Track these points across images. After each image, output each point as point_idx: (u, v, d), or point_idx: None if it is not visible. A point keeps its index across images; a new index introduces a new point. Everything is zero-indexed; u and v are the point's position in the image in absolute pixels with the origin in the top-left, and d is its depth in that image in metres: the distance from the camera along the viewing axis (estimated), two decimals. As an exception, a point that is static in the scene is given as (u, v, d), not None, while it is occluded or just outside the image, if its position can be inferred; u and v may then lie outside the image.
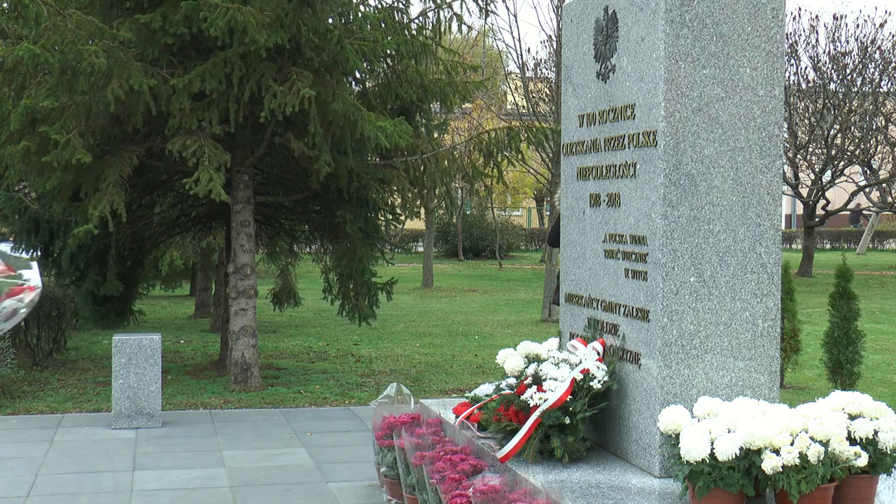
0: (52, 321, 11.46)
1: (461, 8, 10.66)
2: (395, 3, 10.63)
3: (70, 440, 7.94)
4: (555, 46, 20.08)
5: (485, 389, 5.69)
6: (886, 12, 29.65)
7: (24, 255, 13.32)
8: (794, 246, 41.45)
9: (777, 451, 3.93)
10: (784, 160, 18.09)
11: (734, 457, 3.95)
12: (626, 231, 4.96)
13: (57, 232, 11.15)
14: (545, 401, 4.77)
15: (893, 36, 26.90)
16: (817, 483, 3.90)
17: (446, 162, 10.74)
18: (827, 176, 27.91)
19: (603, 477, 4.63)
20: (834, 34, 26.58)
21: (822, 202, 28.30)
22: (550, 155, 18.47)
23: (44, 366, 11.09)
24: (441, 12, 10.56)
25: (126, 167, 9.27)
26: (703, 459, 3.97)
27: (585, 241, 5.44)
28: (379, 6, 10.54)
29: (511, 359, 5.27)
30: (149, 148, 9.86)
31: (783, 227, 8.67)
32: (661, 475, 4.60)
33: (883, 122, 27.38)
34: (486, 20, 22.88)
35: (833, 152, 26.98)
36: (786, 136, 25.76)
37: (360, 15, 9.91)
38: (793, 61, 26.50)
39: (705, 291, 4.68)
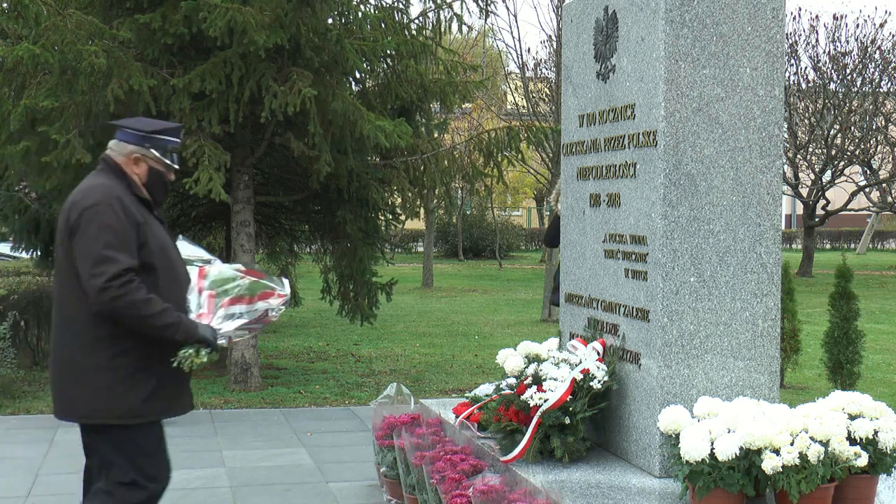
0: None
1: (461, 8, 10.66)
2: (395, 3, 10.63)
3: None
4: (555, 46, 20.08)
5: (485, 389, 5.69)
6: (886, 12, 29.70)
7: (23, 254, 13.32)
8: (794, 246, 41.47)
9: (777, 451, 3.93)
10: (784, 160, 18.09)
11: (734, 457, 3.95)
12: (626, 231, 4.96)
13: (57, 232, 11.14)
14: (545, 401, 4.77)
15: (893, 36, 26.91)
16: (817, 483, 3.90)
17: (446, 162, 10.74)
18: (827, 176, 27.91)
19: (603, 477, 4.63)
20: (834, 34, 26.59)
21: (822, 202, 28.30)
22: (550, 155, 18.47)
23: (44, 366, 11.08)
24: (441, 12, 10.55)
25: (126, 167, 9.27)
26: (703, 459, 3.97)
27: (585, 241, 5.44)
28: (379, 6, 10.54)
29: (511, 359, 5.27)
30: (149, 148, 9.86)
31: (783, 227, 8.67)
32: (661, 475, 4.60)
33: (883, 122, 27.38)
34: (486, 20, 22.87)
35: (833, 152, 26.98)
36: (786, 136, 25.76)
37: (359, 15, 9.90)
38: (793, 61, 26.50)
39: (705, 291, 4.68)
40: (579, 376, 4.87)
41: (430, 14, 10.63)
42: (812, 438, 3.98)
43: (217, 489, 6.60)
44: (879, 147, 28.64)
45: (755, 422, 4.03)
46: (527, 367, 5.14)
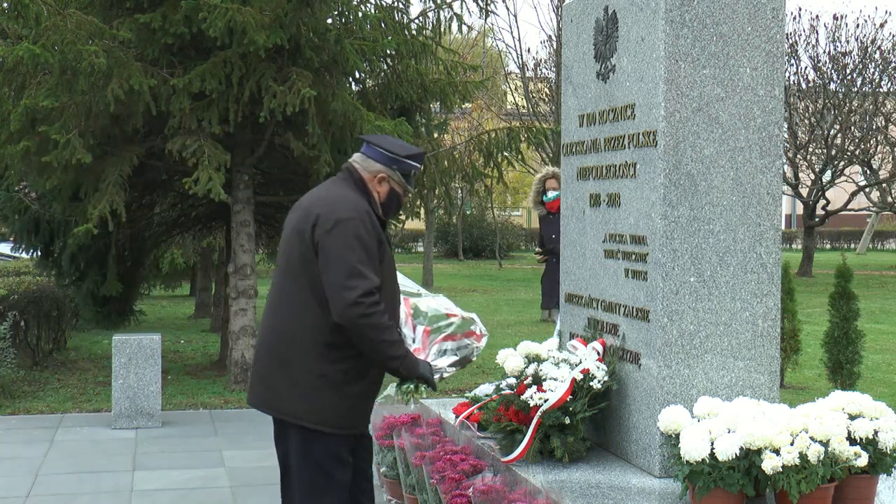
0: (52, 321, 11.46)
1: (461, 8, 10.68)
2: (395, 3, 10.63)
3: (70, 440, 7.94)
4: (555, 46, 20.09)
5: (485, 389, 5.69)
6: (886, 12, 29.72)
7: (23, 254, 13.32)
8: (794, 246, 41.47)
9: (777, 451, 3.93)
10: (784, 160, 18.09)
11: (734, 457, 3.95)
12: (626, 231, 4.96)
13: (57, 232, 11.15)
14: (545, 401, 4.77)
15: (893, 36, 26.92)
16: (817, 483, 3.90)
17: (446, 162, 10.74)
18: (827, 176, 27.91)
19: (603, 477, 4.63)
20: (834, 34, 26.59)
21: (822, 202, 28.30)
22: (550, 155, 18.48)
23: (44, 366, 11.09)
24: (441, 12, 10.56)
25: (126, 167, 9.27)
26: (703, 459, 3.97)
27: (585, 241, 5.44)
28: (379, 6, 10.54)
29: (511, 359, 5.27)
30: (149, 148, 9.86)
31: (783, 227, 8.67)
32: (661, 475, 4.60)
33: (883, 122, 27.38)
34: (486, 20, 22.90)
35: (833, 152, 26.98)
36: (786, 136, 25.76)
37: (359, 15, 9.90)
38: (793, 61, 26.50)
39: (705, 291, 4.68)
40: (579, 376, 4.87)
41: (430, 14, 10.64)
42: (812, 438, 3.98)
43: (217, 489, 6.60)
44: (879, 147, 28.64)
45: (755, 422, 4.03)
46: (527, 367, 5.14)
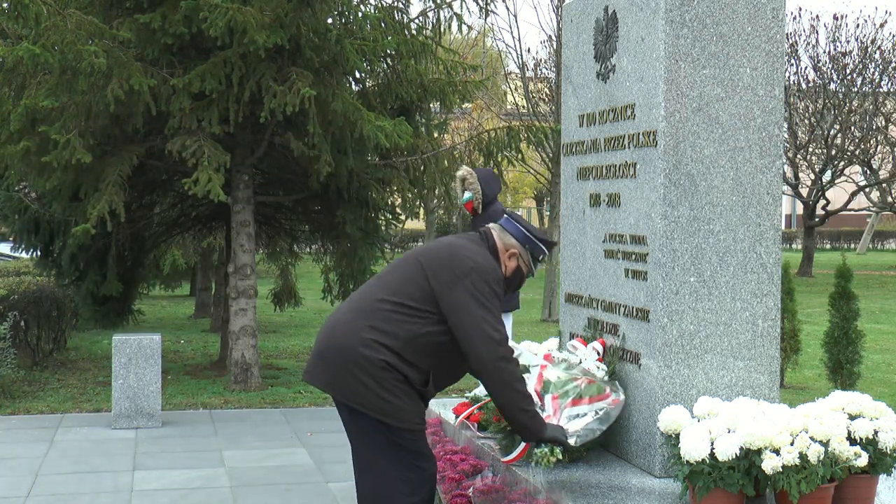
0: (52, 321, 11.46)
1: (461, 8, 10.68)
2: (395, 3, 10.63)
3: (70, 440, 7.94)
4: (555, 46, 20.08)
5: (485, 389, 5.69)
6: (886, 12, 29.72)
7: (23, 254, 13.32)
8: (794, 246, 41.49)
9: (777, 451, 3.93)
10: (784, 160, 18.09)
11: (734, 457, 3.95)
12: (626, 231, 4.96)
13: (57, 232, 11.16)
14: (545, 401, 4.77)
15: (893, 36, 26.93)
16: (817, 483, 3.90)
17: (446, 162, 10.74)
18: (827, 176, 27.92)
19: (603, 477, 4.63)
20: (834, 34, 26.60)
21: (822, 202, 28.31)
22: (550, 155, 18.47)
23: (44, 366, 11.09)
24: (441, 12, 10.56)
25: (126, 167, 9.28)
26: (703, 459, 3.97)
27: (585, 241, 5.44)
28: (379, 6, 10.54)
29: (511, 359, 5.26)
30: (149, 148, 9.87)
31: (783, 227, 8.67)
32: (661, 475, 4.59)
33: (883, 122, 27.39)
34: (486, 20, 22.89)
35: (833, 152, 26.99)
36: (786, 136, 25.77)
37: (359, 15, 9.91)
38: (793, 61, 26.51)
39: (705, 291, 4.68)
40: (579, 376, 4.87)
41: (430, 14, 10.64)
42: (812, 438, 3.97)
43: (217, 489, 6.60)
44: (879, 147, 28.65)
45: (755, 422, 4.03)
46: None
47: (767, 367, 4.76)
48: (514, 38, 45.79)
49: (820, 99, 26.55)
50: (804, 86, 26.81)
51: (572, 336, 5.45)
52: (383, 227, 11.60)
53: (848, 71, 26.39)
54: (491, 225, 4.41)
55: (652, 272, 4.70)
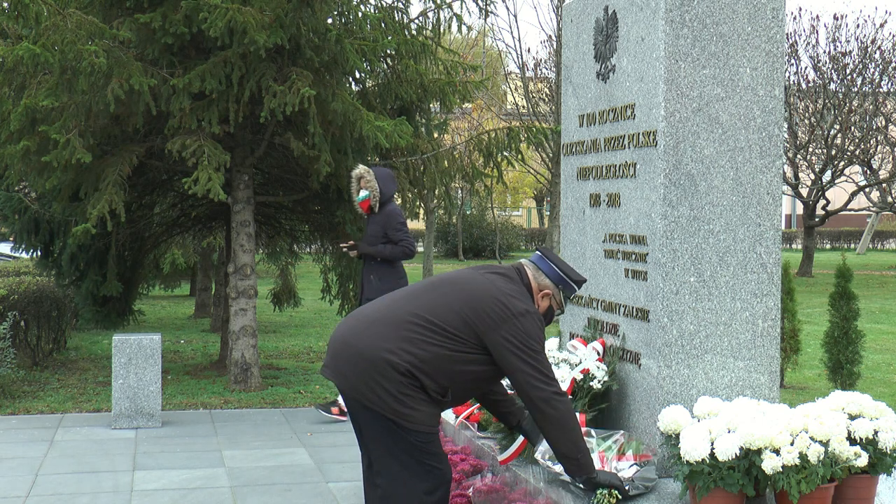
0: (52, 321, 11.46)
1: (461, 8, 10.68)
2: (395, 3, 10.63)
3: (70, 440, 7.94)
4: (555, 46, 20.08)
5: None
6: (886, 12, 29.70)
7: (23, 254, 13.32)
8: (794, 246, 41.49)
9: (777, 451, 3.93)
10: (784, 160, 18.09)
11: (734, 457, 3.95)
12: (626, 231, 4.96)
13: (57, 232, 11.15)
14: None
15: (893, 36, 26.93)
16: (817, 483, 3.90)
17: (446, 162, 10.74)
18: (827, 176, 27.91)
19: (603, 477, 4.62)
20: (834, 34, 26.60)
21: (822, 202, 28.30)
22: (550, 155, 18.48)
23: (44, 366, 11.09)
24: (441, 12, 10.55)
25: (126, 167, 9.27)
26: (703, 459, 3.97)
27: (585, 241, 5.44)
28: (379, 6, 10.54)
29: (511, 359, 5.25)
30: (149, 148, 9.86)
31: (783, 227, 8.67)
32: (661, 475, 4.60)
33: (883, 122, 27.39)
34: (486, 20, 22.87)
35: (833, 152, 26.98)
36: (786, 136, 25.77)
37: (359, 15, 9.90)
38: (793, 61, 26.50)
39: (705, 291, 4.68)
40: (579, 376, 4.87)
41: (430, 14, 10.64)
42: (812, 438, 3.98)
43: (217, 489, 6.60)
44: (879, 147, 28.65)
45: (755, 422, 4.03)
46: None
47: (767, 367, 4.77)
48: (514, 38, 45.88)
49: (820, 99, 26.54)
50: (804, 86, 26.80)
51: (572, 336, 5.45)
52: (383, 227, 11.58)
53: (848, 71, 26.38)
54: (524, 262, 4.43)
55: (652, 272, 4.71)
